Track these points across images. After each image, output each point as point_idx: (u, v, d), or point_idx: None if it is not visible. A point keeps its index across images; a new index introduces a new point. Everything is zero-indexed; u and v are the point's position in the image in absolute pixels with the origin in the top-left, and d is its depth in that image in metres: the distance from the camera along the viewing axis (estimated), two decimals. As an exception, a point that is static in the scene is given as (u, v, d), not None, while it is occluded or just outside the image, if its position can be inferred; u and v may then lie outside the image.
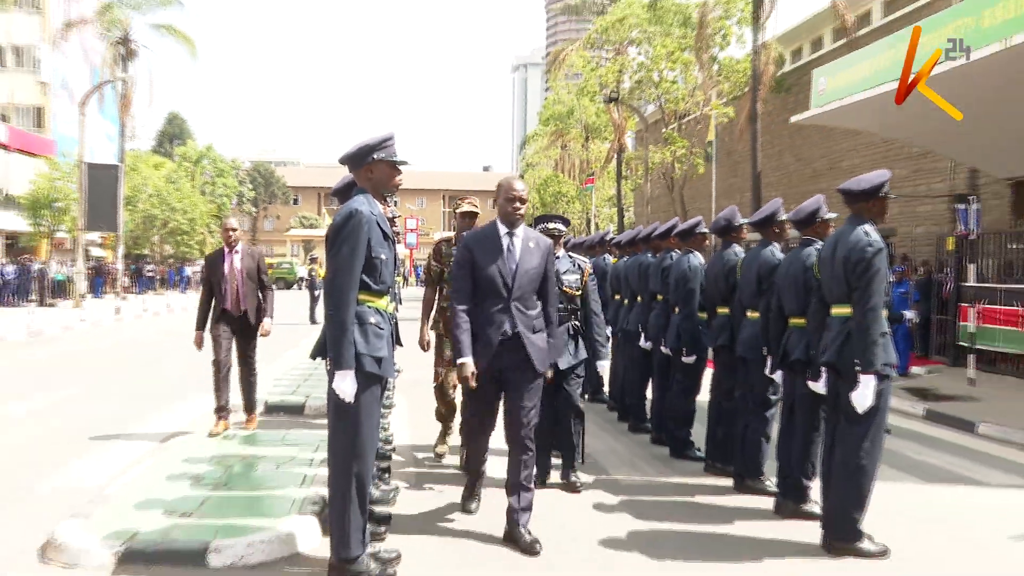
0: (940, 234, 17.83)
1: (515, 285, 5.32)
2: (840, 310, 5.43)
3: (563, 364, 6.53)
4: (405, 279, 20.26)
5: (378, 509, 5.41)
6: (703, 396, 7.75)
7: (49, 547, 4.99)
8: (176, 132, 77.78)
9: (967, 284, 14.03)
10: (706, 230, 8.07)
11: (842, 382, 5.36)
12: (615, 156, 38.89)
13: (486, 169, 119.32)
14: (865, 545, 5.29)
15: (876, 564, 5.17)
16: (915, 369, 14.62)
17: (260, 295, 8.54)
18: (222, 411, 8.25)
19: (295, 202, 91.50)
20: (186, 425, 8.56)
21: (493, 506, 5.91)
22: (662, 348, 8.21)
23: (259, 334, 8.53)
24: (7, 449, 7.99)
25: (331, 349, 4.50)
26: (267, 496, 5.90)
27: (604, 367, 6.97)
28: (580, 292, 6.80)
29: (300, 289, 48.71)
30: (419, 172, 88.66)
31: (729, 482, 6.87)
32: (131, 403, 10.42)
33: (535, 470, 5.57)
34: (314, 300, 23.86)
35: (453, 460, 7.34)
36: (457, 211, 7.18)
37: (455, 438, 7.37)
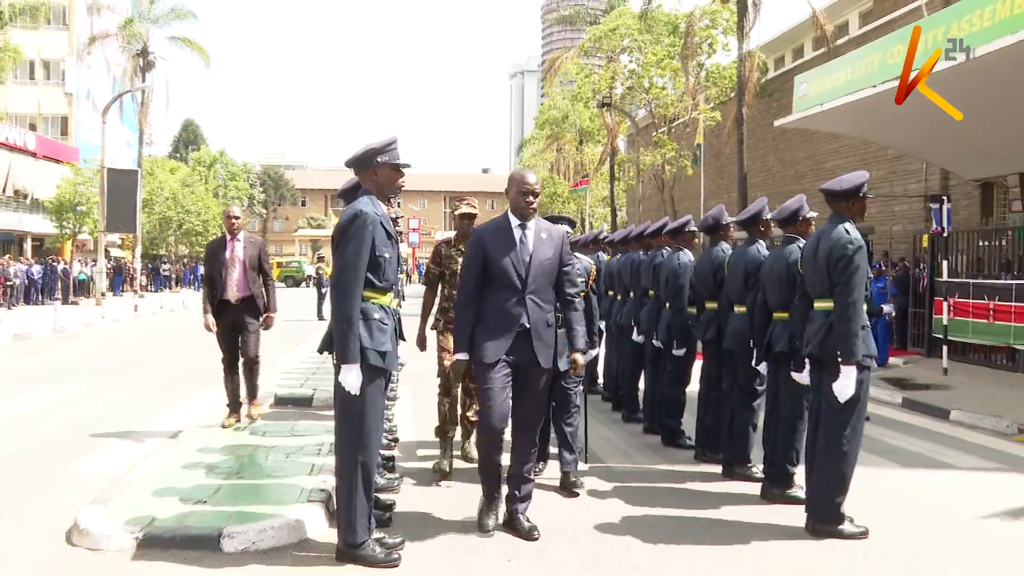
0: (915, 232, 17.83)
1: (530, 277, 5.03)
2: (822, 304, 5.41)
3: (562, 366, 5.58)
4: (408, 277, 20.22)
5: (383, 496, 5.39)
6: (693, 387, 7.73)
7: (74, 531, 5.00)
8: (191, 138, 77.73)
9: (941, 279, 14.03)
10: (695, 229, 8.05)
11: (825, 373, 5.34)
12: (608, 159, 38.91)
13: (485, 171, 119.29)
14: (847, 527, 5.27)
15: (857, 544, 5.15)
16: (893, 360, 14.62)
17: (264, 284, 8.15)
18: (233, 405, 8.08)
19: (303, 204, 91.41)
20: (200, 417, 8.52)
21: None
22: (654, 341, 8.18)
23: (260, 326, 8.15)
24: (35, 439, 7.98)
25: (337, 343, 4.49)
26: (277, 484, 5.87)
27: (587, 357, 6.59)
28: (585, 293, 6.53)
29: (308, 287, 48.75)
30: (421, 174, 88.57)
31: (718, 469, 6.84)
32: (149, 396, 10.40)
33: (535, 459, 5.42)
34: (321, 297, 23.82)
35: (454, 460, 7.29)
36: (456, 212, 6.90)
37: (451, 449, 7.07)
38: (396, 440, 7.34)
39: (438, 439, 6.72)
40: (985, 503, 6.12)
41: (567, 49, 44.68)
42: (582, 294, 6.23)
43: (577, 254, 6.90)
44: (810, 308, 5.54)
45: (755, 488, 6.25)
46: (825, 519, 5.30)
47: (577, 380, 6.42)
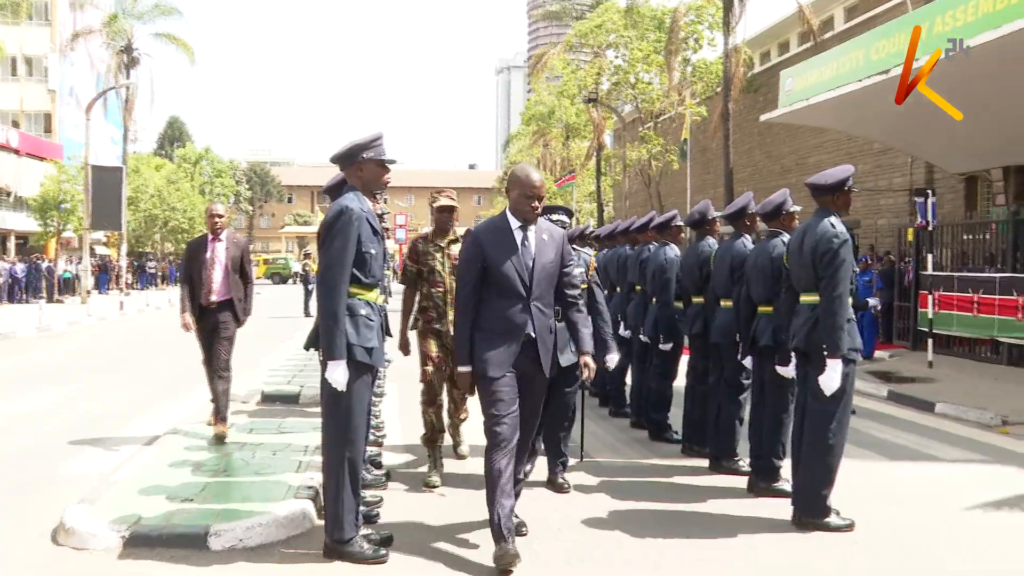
0: (900, 226, 17.91)
1: (534, 283, 4.63)
2: (808, 298, 5.43)
3: (564, 362, 5.46)
4: (395, 273, 20.16)
5: (370, 493, 5.38)
6: (679, 381, 7.75)
7: (60, 531, 4.97)
8: (176, 135, 77.24)
9: (926, 272, 14.10)
10: (681, 223, 8.07)
11: (811, 366, 5.36)
12: (594, 154, 38.92)
13: (472, 167, 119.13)
14: (833, 520, 5.29)
15: (843, 537, 5.18)
16: (879, 353, 14.69)
17: (243, 288, 7.59)
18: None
19: (290, 200, 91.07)
20: (187, 415, 8.49)
21: (479, 490, 5.90)
22: (640, 336, 8.19)
23: (235, 332, 7.57)
24: (18, 440, 7.93)
25: (324, 340, 4.48)
26: (264, 482, 5.85)
27: (612, 360, 6.72)
28: (585, 285, 6.36)
29: (295, 283, 48.60)
30: (407, 170, 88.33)
31: (705, 463, 6.86)
32: (135, 395, 10.35)
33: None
34: (308, 294, 23.76)
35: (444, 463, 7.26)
36: (434, 205, 6.40)
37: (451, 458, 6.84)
38: (384, 436, 7.34)
39: (427, 448, 6.44)
40: (970, 494, 6.16)
41: (553, 45, 44.58)
42: (584, 287, 6.18)
43: (575, 246, 6.87)
44: (796, 302, 5.56)
45: (742, 482, 6.27)
46: (811, 512, 5.32)
47: (578, 385, 6.27)
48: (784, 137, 26.25)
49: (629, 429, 8.34)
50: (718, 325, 6.75)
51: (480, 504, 5.59)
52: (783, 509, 5.51)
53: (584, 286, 6.20)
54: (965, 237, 15.40)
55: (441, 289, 6.28)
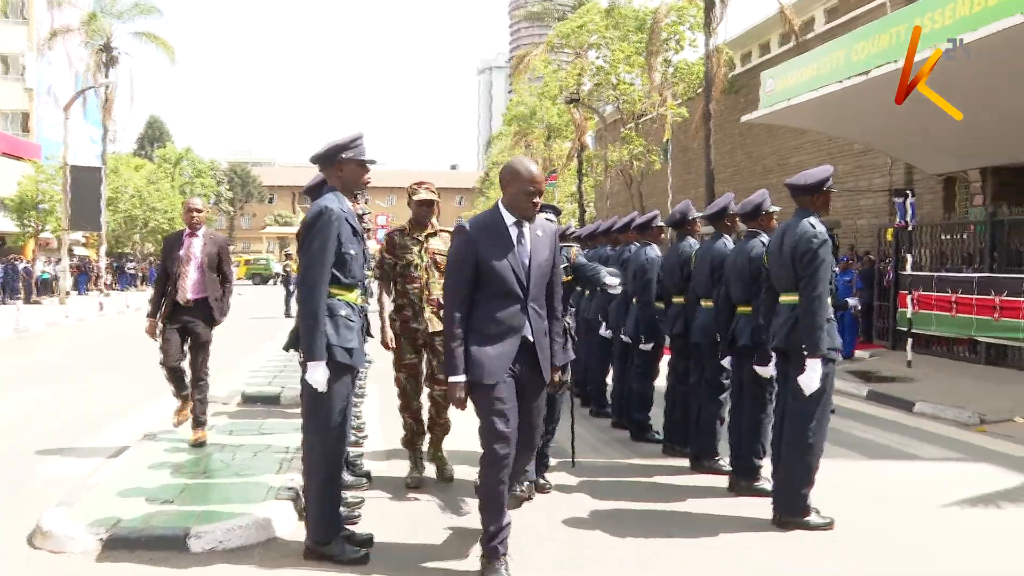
0: (880, 226, 18.04)
1: (531, 283, 4.36)
2: (788, 298, 5.45)
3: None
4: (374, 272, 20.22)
5: (351, 494, 5.37)
6: (660, 381, 7.78)
7: (37, 534, 4.93)
8: (156, 135, 76.86)
9: (905, 273, 14.20)
10: (662, 224, 8.09)
11: (791, 366, 5.39)
12: (576, 155, 38.94)
13: (453, 167, 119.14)
14: (812, 519, 5.32)
15: (823, 535, 5.21)
16: (859, 353, 14.79)
17: (220, 287, 7.29)
18: (186, 399, 7.22)
19: (270, 201, 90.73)
20: (167, 417, 8.42)
21: (462, 493, 5.90)
22: (621, 336, 8.21)
23: (211, 337, 7.29)
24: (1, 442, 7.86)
25: (304, 341, 4.47)
26: (245, 483, 5.83)
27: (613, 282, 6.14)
28: (571, 279, 6.07)
29: (275, 284, 48.38)
30: (389, 171, 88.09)
31: (685, 462, 6.88)
32: (115, 398, 10.27)
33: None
34: (289, 294, 23.66)
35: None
36: (413, 197, 6.14)
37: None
38: (365, 437, 7.32)
39: (407, 450, 6.35)
40: (948, 492, 6.21)
41: (535, 45, 44.58)
42: (568, 280, 5.92)
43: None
44: (776, 302, 5.59)
45: (723, 481, 6.29)
46: (791, 511, 5.35)
47: (566, 387, 6.13)
48: (765, 138, 26.36)
49: (610, 429, 8.35)
50: (699, 325, 6.77)
51: (462, 506, 5.62)
52: (763, 508, 5.53)
53: (569, 279, 5.98)
54: (944, 237, 15.52)
55: (417, 285, 6.09)
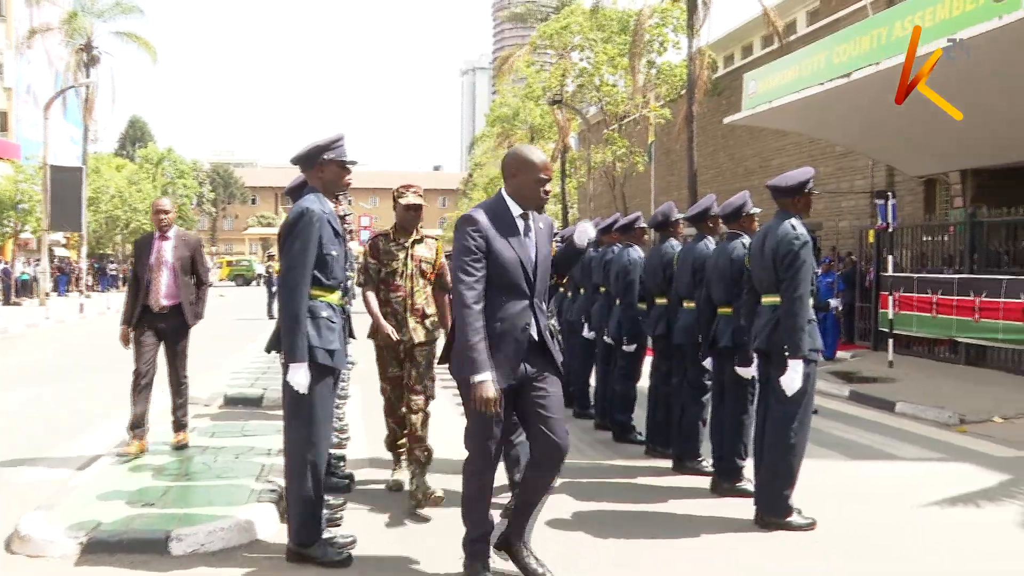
0: (862, 227, 18.14)
1: (537, 279, 4.20)
2: (769, 299, 5.48)
3: None
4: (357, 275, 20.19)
5: (333, 496, 5.35)
6: (643, 382, 7.80)
7: (15, 538, 4.88)
8: (138, 135, 76.43)
9: (886, 274, 14.30)
10: (645, 225, 8.11)
11: (772, 367, 5.41)
12: (559, 156, 38.97)
13: (436, 168, 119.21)
14: (795, 519, 5.34)
15: (805, 536, 5.23)
16: (841, 353, 14.88)
17: (195, 291, 7.09)
18: (137, 428, 6.80)
19: (253, 202, 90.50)
20: (153, 418, 8.36)
21: (443, 483, 5.89)
22: (604, 337, 8.23)
23: (188, 343, 7.11)
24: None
25: (285, 342, 4.46)
26: (227, 485, 5.80)
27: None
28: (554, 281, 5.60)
29: (258, 285, 48.25)
30: (372, 172, 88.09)
31: (668, 464, 6.90)
32: (95, 400, 10.20)
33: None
34: (271, 296, 23.52)
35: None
36: (400, 201, 5.84)
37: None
38: (347, 439, 7.30)
39: (390, 452, 6.29)
40: (928, 492, 6.26)
41: (519, 47, 44.61)
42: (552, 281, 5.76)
43: None
44: (757, 303, 5.62)
45: (705, 482, 6.31)
46: (774, 511, 5.37)
47: None
48: (747, 140, 26.47)
49: (593, 430, 8.37)
50: (681, 326, 6.80)
51: (445, 508, 5.59)
52: (746, 509, 5.55)
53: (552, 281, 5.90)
54: (924, 239, 15.64)
55: (400, 294, 5.79)
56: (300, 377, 4.42)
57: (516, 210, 4.20)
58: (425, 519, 5.48)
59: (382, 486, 6.22)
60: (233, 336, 16.80)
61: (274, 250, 29.08)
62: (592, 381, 8.96)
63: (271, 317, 22.47)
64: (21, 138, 44.85)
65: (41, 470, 6.80)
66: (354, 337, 5.13)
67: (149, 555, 4.65)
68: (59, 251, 45.21)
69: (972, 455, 7.65)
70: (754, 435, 5.77)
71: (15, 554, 4.77)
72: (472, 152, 67.80)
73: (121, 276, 48.62)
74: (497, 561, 4.41)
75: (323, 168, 4.67)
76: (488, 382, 3.96)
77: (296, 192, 5.11)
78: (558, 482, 5.98)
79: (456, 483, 5.74)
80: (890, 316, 13.55)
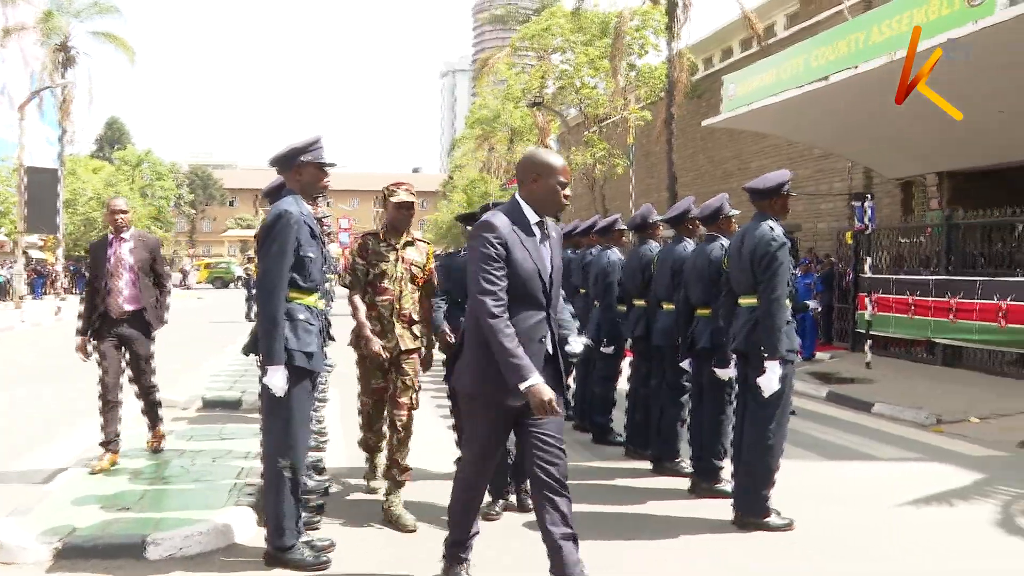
0: (840, 229, 18.26)
1: (553, 289, 4.03)
2: (747, 300, 5.51)
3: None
4: (339, 277, 20.10)
5: (312, 499, 5.33)
6: (622, 384, 7.81)
7: (-14, 545, 4.82)
8: (115, 136, 75.87)
9: (864, 275, 14.40)
10: (624, 227, 8.14)
11: (750, 367, 5.44)
12: (539, 158, 38.94)
13: (416, 171, 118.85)
14: (773, 519, 5.38)
15: (783, 536, 5.27)
16: (819, 354, 14.97)
17: (157, 294, 6.80)
18: (109, 444, 6.51)
19: (232, 204, 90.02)
20: (126, 423, 8.30)
21: (424, 498, 5.88)
22: (583, 339, 8.22)
23: (152, 349, 6.79)
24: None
25: (262, 345, 4.44)
26: (204, 489, 5.77)
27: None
28: None
29: (237, 288, 47.99)
30: (351, 174, 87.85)
31: (647, 465, 6.92)
32: (72, 403, 10.11)
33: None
34: (250, 298, 23.40)
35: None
36: (391, 199, 5.56)
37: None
38: (326, 442, 7.27)
39: (365, 455, 6.14)
40: (905, 492, 6.31)
41: (499, 48, 44.70)
42: None
43: None
44: (735, 305, 5.65)
45: (684, 483, 6.34)
46: (752, 512, 5.40)
47: None
48: (726, 142, 26.60)
49: (572, 432, 8.36)
50: (660, 328, 6.82)
51: (423, 509, 5.58)
52: (724, 510, 5.58)
53: None
54: (901, 240, 15.77)
55: (388, 298, 5.47)
56: (277, 380, 4.40)
57: (532, 217, 4.01)
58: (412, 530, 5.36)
59: (361, 490, 6.20)
60: (211, 339, 16.71)
61: (253, 252, 28.96)
62: (571, 383, 8.96)
63: (250, 320, 22.35)
64: (-5, 139, 44.44)
65: (15, 475, 6.73)
66: (333, 340, 5.12)
67: (125, 560, 4.62)
68: (35, 253, 44.80)
69: (948, 455, 7.72)
70: (732, 436, 5.79)
71: (-13, 560, 4.71)
72: (452, 154, 67.76)
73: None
74: (476, 565, 4.40)
75: (301, 170, 4.66)
76: (539, 384, 3.74)
77: (274, 194, 5.09)
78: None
79: (432, 492, 5.79)
80: (868, 317, 13.65)
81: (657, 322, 6.89)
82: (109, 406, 6.58)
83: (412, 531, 5.28)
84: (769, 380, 5.24)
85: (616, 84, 30.60)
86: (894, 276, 14.43)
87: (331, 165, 4.75)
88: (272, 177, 5.17)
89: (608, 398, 7.95)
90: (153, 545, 4.71)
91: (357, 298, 5.51)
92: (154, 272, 6.78)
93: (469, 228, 6.19)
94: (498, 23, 52.75)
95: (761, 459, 5.37)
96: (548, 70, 35.69)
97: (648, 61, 31.79)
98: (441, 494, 5.87)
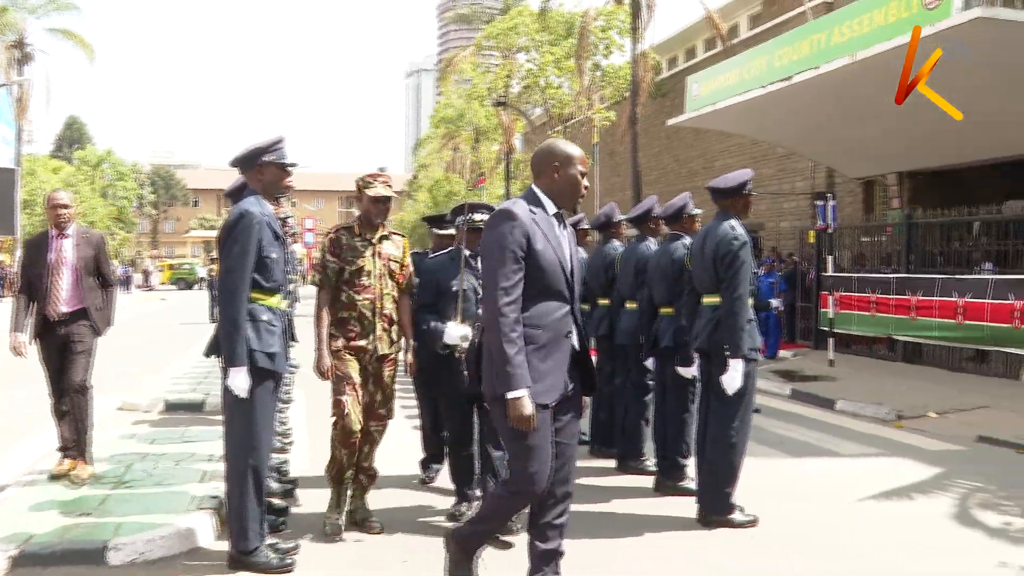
0: (803, 228, 18.46)
1: (575, 282, 3.88)
2: (710, 299, 5.55)
3: None
4: (304, 277, 20.00)
5: (276, 501, 5.31)
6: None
7: (-60, 554, 4.73)
8: (75, 136, 74.85)
9: (826, 274, 14.58)
10: (587, 226, 8.17)
11: (713, 366, 5.48)
12: (504, 157, 39.06)
13: (381, 170, 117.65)
14: (736, 516, 5.42)
15: (746, 533, 5.32)
16: (783, 352, 15.09)
17: (102, 294, 6.40)
18: (68, 450, 6.22)
19: (195, 204, 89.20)
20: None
21: (389, 504, 5.87)
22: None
23: (92, 346, 6.28)
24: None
25: (224, 346, 4.42)
26: (166, 493, 5.72)
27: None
28: None
29: (200, 289, 47.55)
30: (316, 174, 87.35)
31: (612, 463, 6.96)
32: (31, 406, 9.95)
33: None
34: (213, 300, 23.18)
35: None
36: (366, 192, 5.26)
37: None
38: (291, 444, 7.22)
39: (331, 485, 5.34)
40: (866, 488, 6.40)
41: (464, 48, 44.66)
42: None
43: None
44: (698, 303, 5.69)
45: (649, 481, 6.38)
46: (716, 509, 5.44)
47: None
48: (691, 141, 26.79)
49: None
50: (623, 327, 6.86)
51: (387, 513, 5.56)
52: (689, 508, 5.62)
53: None
54: (863, 239, 15.97)
55: (368, 296, 5.16)
56: (240, 381, 4.38)
57: (551, 208, 3.87)
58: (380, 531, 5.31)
59: (327, 492, 6.16)
60: (174, 340, 16.54)
61: (216, 253, 28.71)
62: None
63: (213, 321, 22.06)
64: (-50, 138, 43.65)
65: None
66: (296, 340, 5.08)
67: (85, 566, 4.56)
68: (-8, 255, 44.12)
69: (908, 450, 7.84)
70: (696, 434, 5.84)
71: (-59, 570, 4.64)
72: (417, 154, 67.52)
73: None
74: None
75: (263, 170, 4.64)
76: (525, 397, 3.58)
77: (236, 194, 5.06)
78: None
79: (397, 498, 5.78)
80: (830, 315, 13.81)
81: (621, 321, 6.93)
82: (61, 414, 6.29)
83: (379, 532, 5.24)
84: (732, 378, 5.29)
85: (581, 84, 30.68)
86: (856, 274, 14.61)
87: (293, 165, 4.73)
88: (236, 177, 5.12)
89: (573, 397, 7.95)
90: (114, 550, 4.66)
91: (321, 305, 5.16)
92: (99, 271, 6.37)
93: (436, 230, 6.26)
94: (463, 22, 52.58)
95: (724, 457, 5.42)
96: (513, 69, 35.73)
97: (613, 61, 31.93)
98: (406, 497, 5.92)
